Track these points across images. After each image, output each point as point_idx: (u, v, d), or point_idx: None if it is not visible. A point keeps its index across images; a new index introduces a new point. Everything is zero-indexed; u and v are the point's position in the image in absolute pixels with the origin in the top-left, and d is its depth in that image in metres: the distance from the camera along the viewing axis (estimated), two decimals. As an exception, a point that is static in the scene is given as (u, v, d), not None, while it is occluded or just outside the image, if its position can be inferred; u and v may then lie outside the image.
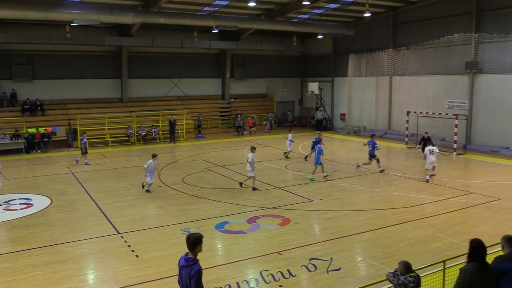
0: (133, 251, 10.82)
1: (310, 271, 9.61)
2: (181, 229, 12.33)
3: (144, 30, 31.24)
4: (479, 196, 15.60)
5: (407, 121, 27.72)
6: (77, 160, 22.82)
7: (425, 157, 18.30)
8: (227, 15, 30.41)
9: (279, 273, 9.44)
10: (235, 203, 14.99)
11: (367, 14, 28.44)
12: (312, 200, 15.40)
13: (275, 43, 37.92)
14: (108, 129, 29.75)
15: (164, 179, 18.86)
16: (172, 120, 30.22)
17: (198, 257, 6.07)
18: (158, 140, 30.54)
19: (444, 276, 7.45)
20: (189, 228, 12.32)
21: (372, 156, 20.05)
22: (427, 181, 17.93)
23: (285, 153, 24.28)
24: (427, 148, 18.56)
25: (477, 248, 6.21)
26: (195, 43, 32.89)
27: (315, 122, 37.66)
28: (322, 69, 39.05)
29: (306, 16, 33.29)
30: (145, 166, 16.38)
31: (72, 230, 12.49)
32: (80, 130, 27.64)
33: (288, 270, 9.59)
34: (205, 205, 14.84)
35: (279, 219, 13.26)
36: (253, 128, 34.60)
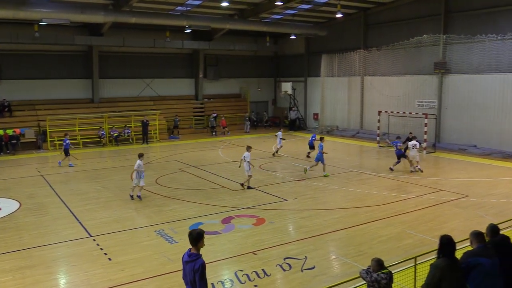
0: (105, 254, 10.65)
1: (284, 270, 9.66)
2: (155, 231, 12.21)
3: (115, 30, 30.79)
4: (448, 193, 15.99)
5: (379, 121, 28.18)
6: (59, 162, 22.35)
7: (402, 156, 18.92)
8: (200, 15, 30.28)
9: (254, 273, 9.46)
10: (209, 204, 14.94)
11: (339, 15, 28.80)
12: (286, 200, 15.48)
13: (248, 43, 37.97)
14: (79, 130, 29.18)
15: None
16: (144, 120, 29.87)
17: (201, 252, 6.19)
18: (130, 141, 30.14)
19: (415, 272, 7.60)
20: (163, 230, 12.21)
21: (400, 155, 20.34)
22: (411, 171, 19.61)
23: (276, 151, 24.69)
24: (411, 143, 19.61)
25: (446, 244, 6.37)
26: (168, 43, 32.62)
27: (288, 122, 37.87)
28: (295, 69, 39.31)
29: (279, 17, 33.45)
30: (136, 167, 15.52)
31: (42, 234, 12.20)
32: (52, 131, 27.04)
33: (263, 269, 9.61)
34: (179, 206, 14.73)
35: (254, 219, 13.28)
36: (226, 128, 34.54)
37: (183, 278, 6.39)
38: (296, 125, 37.15)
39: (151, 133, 31.05)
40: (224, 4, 27.20)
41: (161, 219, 13.29)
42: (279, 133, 25.00)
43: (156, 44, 32.50)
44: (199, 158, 24.16)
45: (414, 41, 27.67)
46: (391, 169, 20.30)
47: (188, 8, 29.59)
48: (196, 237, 6.18)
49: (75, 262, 10.23)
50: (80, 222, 13.13)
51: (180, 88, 36.85)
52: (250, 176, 17.13)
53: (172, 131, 33.53)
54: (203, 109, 37.01)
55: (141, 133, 30.10)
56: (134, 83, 34.43)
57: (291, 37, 36.91)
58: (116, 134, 29.52)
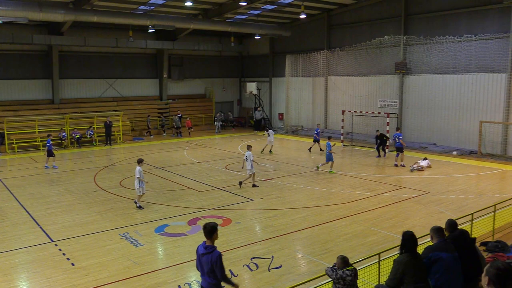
0: (68, 259, 10.38)
1: (251, 270, 9.69)
2: (120, 234, 11.99)
3: (76, 29, 30.05)
4: (410, 191, 16.43)
5: (343, 120, 28.65)
6: (46, 166, 21.73)
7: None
8: (163, 15, 29.93)
9: (221, 273, 9.43)
10: (175, 205, 14.80)
11: (303, 16, 29.10)
12: (253, 200, 15.52)
13: (213, 43, 37.84)
14: (39, 132, 28.30)
15: (101, 183, 18.25)
16: (107, 122, 29.29)
17: (215, 244, 6.54)
18: (94, 143, 29.48)
19: (379, 268, 7.78)
20: (128, 233, 12.02)
21: (398, 149, 21.00)
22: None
23: (270, 150, 25.34)
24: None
25: (408, 240, 6.57)
26: (131, 42, 32.09)
27: (254, 122, 37.98)
28: (260, 69, 39.48)
29: (243, 17, 33.49)
30: (138, 175, 14.33)
31: (0, 240, 11.77)
32: (10, 134, 26.12)
33: (230, 270, 9.60)
34: (144, 209, 14.53)
35: (220, 219, 13.24)
36: (191, 129, 34.32)
37: (198, 269, 6.74)
38: (262, 125, 37.29)
39: (114, 134, 30.48)
40: (188, 3, 27.01)
41: (126, 222, 13.07)
42: (270, 131, 25.64)
43: (119, 44, 31.92)
44: (164, 159, 23.89)
45: (375, 42, 28.34)
46: (396, 165, 21.15)
47: (152, 8, 29.22)
48: (211, 230, 6.51)
49: (36, 268, 9.92)
50: (40, 227, 12.74)
51: (144, 89, 36.33)
52: (253, 174, 17.39)
53: (149, 132, 33.23)
54: (168, 110, 36.62)
55: (104, 134, 29.49)
56: (96, 83, 33.71)
57: (255, 37, 37.03)
58: (78, 136, 28.80)
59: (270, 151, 25.32)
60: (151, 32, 33.64)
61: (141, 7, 28.86)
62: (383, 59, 28.47)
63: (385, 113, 26.49)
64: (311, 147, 25.91)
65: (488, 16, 23.47)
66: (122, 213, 14.07)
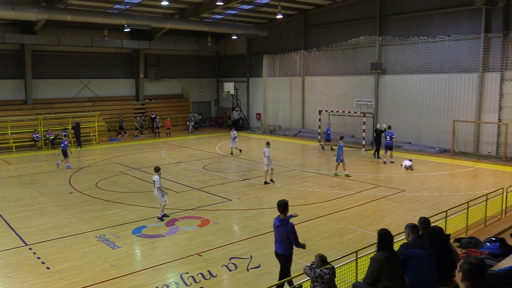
0: (43, 263, 10.17)
1: (230, 270, 9.69)
2: (96, 237, 11.82)
3: (49, 28, 29.46)
4: (386, 189, 16.67)
5: (320, 120, 28.87)
6: (58, 163, 21.98)
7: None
8: (139, 14, 29.63)
9: (199, 274, 9.40)
10: (152, 207, 14.66)
11: (280, 16, 29.21)
12: (231, 200, 15.51)
13: (190, 43, 37.64)
14: (12, 133, 27.67)
15: (76, 185, 17.95)
16: (75, 123, 28.38)
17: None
18: (68, 144, 28.86)
19: (356, 266, 7.87)
20: (104, 235, 11.85)
21: (388, 147, 21.45)
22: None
23: (240, 150, 25.16)
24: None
25: (385, 238, 6.68)
26: (106, 42, 31.64)
27: (231, 122, 37.94)
28: (237, 69, 39.45)
29: (220, 17, 33.41)
30: (158, 185, 13.15)
31: (-28, 244, 11.47)
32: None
33: (208, 271, 9.58)
34: (121, 210, 14.36)
35: (198, 220, 13.20)
36: (169, 129, 34.07)
37: (275, 238, 8.26)
38: (239, 125, 37.29)
39: (89, 135, 30.01)
40: (164, 3, 26.81)
41: (102, 224, 12.89)
42: (234, 132, 25.34)
43: (94, 43, 31.43)
44: (141, 160, 23.65)
45: (351, 42, 28.65)
46: (385, 162, 21.77)
47: (127, 7, 28.88)
48: (284, 206, 8.10)
49: (10, 273, 9.70)
50: (14, 231, 12.45)
51: (120, 89, 35.87)
52: (272, 170, 17.93)
53: (124, 131, 32.81)
54: (144, 110, 36.25)
55: (81, 135, 28.91)
56: (71, 83, 33.10)
57: (232, 37, 37.00)
58: (52, 137, 28.25)
59: (231, 153, 24.92)
60: (126, 31, 33.25)
61: (116, 6, 28.49)
62: (359, 59, 28.81)
63: (361, 112, 26.81)
64: (323, 145, 26.57)
65: (460, 18, 24.00)
66: (99, 215, 13.88)
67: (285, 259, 8.21)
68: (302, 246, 8.21)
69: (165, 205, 13.35)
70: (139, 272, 9.67)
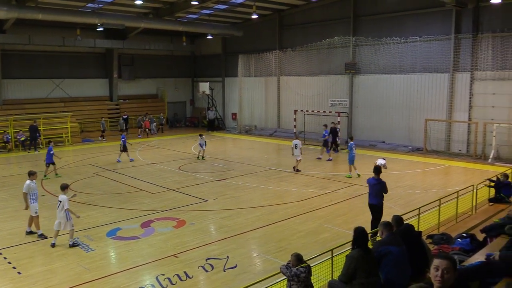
0: (14, 267, 9.92)
1: (207, 271, 9.65)
2: (69, 240, 11.59)
3: (20, 26, 28.72)
4: (360, 187, 16.87)
5: (295, 119, 29.02)
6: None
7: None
8: (112, 13, 29.19)
9: (176, 276, 9.34)
10: (127, 208, 14.49)
11: (255, 16, 29.25)
12: (207, 200, 15.45)
13: (165, 42, 37.31)
14: (-20, 135, 26.90)
15: (48, 187, 17.58)
16: (33, 124, 27.36)
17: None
18: (40, 146, 28.26)
19: (332, 264, 7.94)
20: (78, 238, 11.63)
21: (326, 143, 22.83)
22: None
23: (201, 156, 23.76)
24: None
25: (360, 235, 6.78)
26: (79, 41, 31.06)
27: (207, 122, 37.80)
28: (212, 69, 39.32)
29: (195, 16, 33.24)
30: (66, 206, 11.15)
31: None
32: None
33: (185, 272, 9.53)
34: (95, 212, 14.13)
35: (174, 221, 13.11)
36: (147, 130, 33.63)
37: (370, 193, 11.20)
38: (215, 125, 37.18)
39: (62, 137, 29.42)
40: (138, 2, 26.51)
41: (76, 227, 12.56)
42: (200, 140, 23.78)
43: (66, 43, 30.83)
44: (114, 161, 23.30)
45: (326, 42, 28.91)
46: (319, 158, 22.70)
47: (100, 6, 28.44)
48: (378, 169, 11.36)
49: (-21, 278, 9.44)
50: (-16, 235, 12.12)
51: (94, 89, 35.26)
52: (299, 160, 19.86)
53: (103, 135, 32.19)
54: (118, 111, 35.76)
55: (52, 136, 28.21)
56: (42, 83, 32.37)
57: (207, 37, 36.84)
58: (23, 139, 27.57)
59: (203, 157, 23.59)
60: (100, 30, 32.69)
61: (89, 5, 28.01)
62: (334, 59, 29.09)
63: (336, 112, 27.09)
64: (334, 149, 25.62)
65: (431, 19, 24.49)
66: (72, 217, 13.59)
67: (378, 210, 11.06)
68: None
69: (73, 229, 11.29)
70: (114, 275, 9.54)
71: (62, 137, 29.58)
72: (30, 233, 12.05)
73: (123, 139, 23.02)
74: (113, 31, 32.24)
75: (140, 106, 36.91)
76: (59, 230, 11.22)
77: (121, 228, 12.53)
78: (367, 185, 11.50)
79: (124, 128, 32.84)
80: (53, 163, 19.72)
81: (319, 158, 23.01)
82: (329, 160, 22.80)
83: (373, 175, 11.33)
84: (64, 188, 11.45)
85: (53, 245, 11.11)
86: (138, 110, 36.15)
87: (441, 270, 3.52)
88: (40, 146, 28.11)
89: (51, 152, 19.52)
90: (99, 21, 27.62)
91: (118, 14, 29.36)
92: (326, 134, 23.60)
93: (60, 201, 11.15)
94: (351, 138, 20.14)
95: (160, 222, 13.10)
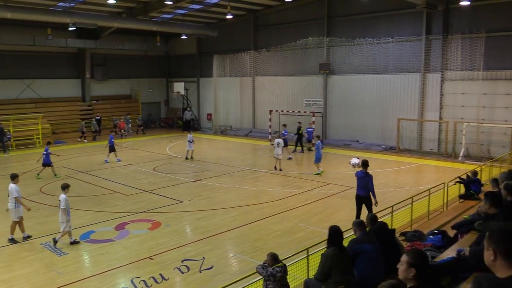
0: (-16, 273, 9.68)
1: (183, 272, 9.60)
2: (41, 244, 11.36)
3: (-13, 26, 27.99)
4: (335, 186, 17.07)
5: (270, 119, 29.13)
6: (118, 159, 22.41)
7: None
8: (84, 12, 28.67)
9: (151, 278, 9.26)
10: (101, 211, 14.28)
11: (229, 16, 29.22)
12: (182, 201, 15.36)
13: (138, 42, 36.87)
14: None
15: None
16: None
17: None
18: (10, 148, 27.54)
19: (308, 263, 8.01)
20: (50, 242, 11.40)
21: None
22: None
23: (188, 157, 23.54)
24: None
25: (335, 234, 6.85)
26: (50, 41, 30.38)
27: (182, 123, 37.53)
28: (187, 69, 39.08)
29: (169, 16, 32.97)
30: (63, 205, 11.27)
31: None
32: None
33: (160, 274, 9.45)
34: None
35: (149, 223, 12.99)
36: (122, 131, 33.19)
37: (358, 186, 12.03)
38: (191, 126, 36.95)
39: (33, 138, 28.75)
40: (111, 1, 26.13)
41: (48, 231, 12.38)
42: (190, 135, 23.83)
43: (36, 42, 30.12)
44: (88, 163, 22.92)
45: (300, 43, 29.10)
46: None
47: (72, 5, 27.90)
48: (366, 162, 12.00)
49: None
50: (-49, 240, 11.76)
51: (66, 89, 34.55)
52: (280, 159, 20.24)
53: (84, 136, 31.46)
54: (91, 112, 35.15)
55: (23, 138, 27.59)
56: (12, 84, 31.51)
57: (182, 37, 36.59)
58: (-8, 140, 26.82)
59: (191, 157, 23.62)
60: (72, 30, 32.07)
61: (61, 3, 27.45)
62: (308, 59, 29.31)
63: (310, 112, 27.30)
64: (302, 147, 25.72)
65: (403, 20, 24.95)
66: (44, 221, 13.35)
67: (367, 200, 11.91)
68: (374, 193, 11.82)
69: (68, 230, 11.36)
70: (87, 278, 9.39)
71: (33, 138, 28.90)
72: (16, 239, 11.72)
73: (111, 140, 22.85)
74: (86, 30, 31.67)
75: (114, 107, 36.39)
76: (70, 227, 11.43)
77: (95, 231, 12.34)
78: (355, 178, 12.26)
79: (97, 129, 32.38)
80: (50, 164, 19.68)
81: (289, 159, 23.04)
82: (289, 159, 23.01)
83: (351, 172, 12.34)
84: (65, 188, 11.58)
85: (74, 242, 11.29)
86: (112, 111, 35.65)
87: (401, 264, 3.67)
88: (10, 148, 27.41)
89: (48, 152, 19.61)
90: (71, 20, 27.09)
91: (91, 14, 28.86)
92: (285, 133, 23.99)
93: (60, 201, 11.30)
94: (318, 137, 20.56)
95: (135, 224, 12.96)
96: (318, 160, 19.30)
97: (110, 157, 22.99)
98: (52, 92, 33.70)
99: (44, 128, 30.04)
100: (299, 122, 25.75)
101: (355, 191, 12.36)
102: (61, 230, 11.24)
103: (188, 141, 23.42)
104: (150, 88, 39.77)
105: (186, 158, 23.38)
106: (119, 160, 22.90)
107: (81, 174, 20.19)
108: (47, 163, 19.52)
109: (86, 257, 10.77)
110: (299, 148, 25.47)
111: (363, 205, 12.05)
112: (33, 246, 11.24)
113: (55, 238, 11.22)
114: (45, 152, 19.55)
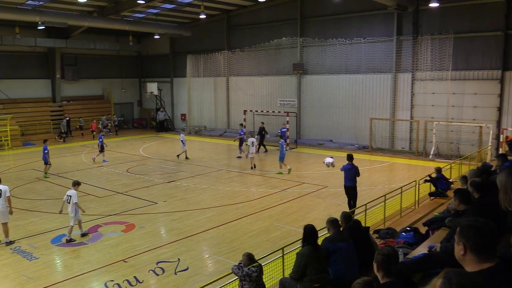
0: (-50, 279, 9.37)
1: (158, 274, 9.51)
2: (11, 249, 11.06)
3: (-49, 24, 27.08)
4: (310, 185, 17.20)
5: (244, 120, 29.11)
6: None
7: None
8: (54, 11, 28.04)
9: (125, 281, 9.13)
10: (73, 213, 13.98)
11: (203, 16, 29.05)
12: (156, 203, 15.21)
13: (110, 42, 36.33)
14: None
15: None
16: None
17: None
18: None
19: (283, 262, 8.04)
20: (20, 246, 11.12)
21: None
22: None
23: (179, 155, 23.80)
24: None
25: (309, 233, 6.91)
26: (18, 40, 29.61)
27: (156, 123, 37.17)
28: (160, 69, 38.73)
29: (141, 15, 32.59)
30: (75, 200, 11.79)
31: None
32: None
33: (135, 277, 9.34)
34: (38, 219, 13.56)
35: (123, 225, 12.81)
36: (94, 132, 32.62)
37: (347, 178, 12.98)
38: (164, 126, 36.63)
39: (1, 140, 27.97)
40: (82, 0, 25.64)
41: (18, 235, 12.07)
42: (182, 135, 24.14)
43: (4, 41, 29.33)
44: (59, 165, 22.42)
45: (274, 43, 29.20)
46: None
47: (41, 3, 27.25)
48: (351, 156, 13.16)
49: None
50: None
51: (35, 90, 33.76)
52: (253, 158, 20.69)
53: (63, 137, 30.96)
54: (62, 112, 34.42)
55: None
56: (-22, 84, 30.66)
57: (155, 36, 36.18)
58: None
59: (186, 157, 23.72)
60: (41, 29, 31.33)
61: (29, 2, 26.76)
62: (282, 59, 29.44)
63: (284, 112, 27.43)
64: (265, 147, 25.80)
65: (375, 21, 25.33)
66: (13, 225, 12.94)
67: (353, 190, 13.12)
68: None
69: (74, 225, 11.67)
70: (60, 283, 9.20)
71: (1, 140, 28.14)
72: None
73: (100, 140, 22.81)
74: (56, 29, 31.01)
75: (85, 108, 35.79)
76: (80, 221, 11.94)
77: (67, 234, 12.08)
78: (342, 171, 13.15)
79: (67, 130, 31.77)
80: (46, 163, 19.75)
81: (239, 157, 23.58)
82: (239, 157, 23.49)
83: (327, 169, 14.35)
84: (75, 184, 12.11)
85: (84, 234, 11.87)
86: (83, 112, 35.04)
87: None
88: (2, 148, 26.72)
89: (46, 151, 19.51)
90: (40, 19, 26.42)
91: (61, 12, 28.23)
92: (241, 133, 24.46)
93: (70, 196, 11.71)
94: (281, 137, 21.15)
95: (108, 226, 12.77)
96: (281, 159, 19.63)
97: (98, 157, 22.81)
98: (21, 92, 32.90)
99: (12, 129, 29.28)
100: (262, 123, 25.91)
101: (343, 182, 13.35)
102: (71, 224, 11.58)
103: (181, 141, 23.66)
104: (122, 89, 39.24)
105: (186, 158, 23.58)
106: (105, 161, 22.86)
107: (52, 176, 19.75)
108: (44, 161, 19.74)
109: (58, 261, 10.55)
110: (262, 148, 25.54)
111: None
112: (2, 251, 10.93)
113: (68, 237, 11.48)
114: (46, 151, 19.60)
